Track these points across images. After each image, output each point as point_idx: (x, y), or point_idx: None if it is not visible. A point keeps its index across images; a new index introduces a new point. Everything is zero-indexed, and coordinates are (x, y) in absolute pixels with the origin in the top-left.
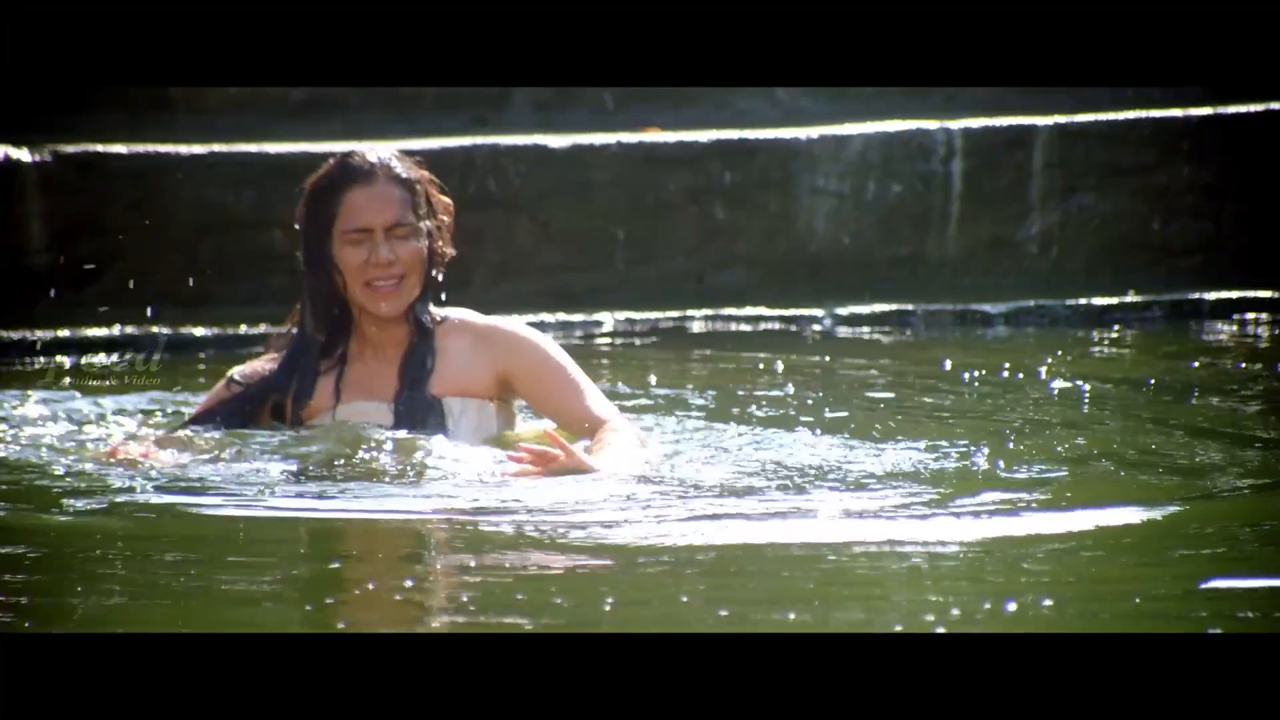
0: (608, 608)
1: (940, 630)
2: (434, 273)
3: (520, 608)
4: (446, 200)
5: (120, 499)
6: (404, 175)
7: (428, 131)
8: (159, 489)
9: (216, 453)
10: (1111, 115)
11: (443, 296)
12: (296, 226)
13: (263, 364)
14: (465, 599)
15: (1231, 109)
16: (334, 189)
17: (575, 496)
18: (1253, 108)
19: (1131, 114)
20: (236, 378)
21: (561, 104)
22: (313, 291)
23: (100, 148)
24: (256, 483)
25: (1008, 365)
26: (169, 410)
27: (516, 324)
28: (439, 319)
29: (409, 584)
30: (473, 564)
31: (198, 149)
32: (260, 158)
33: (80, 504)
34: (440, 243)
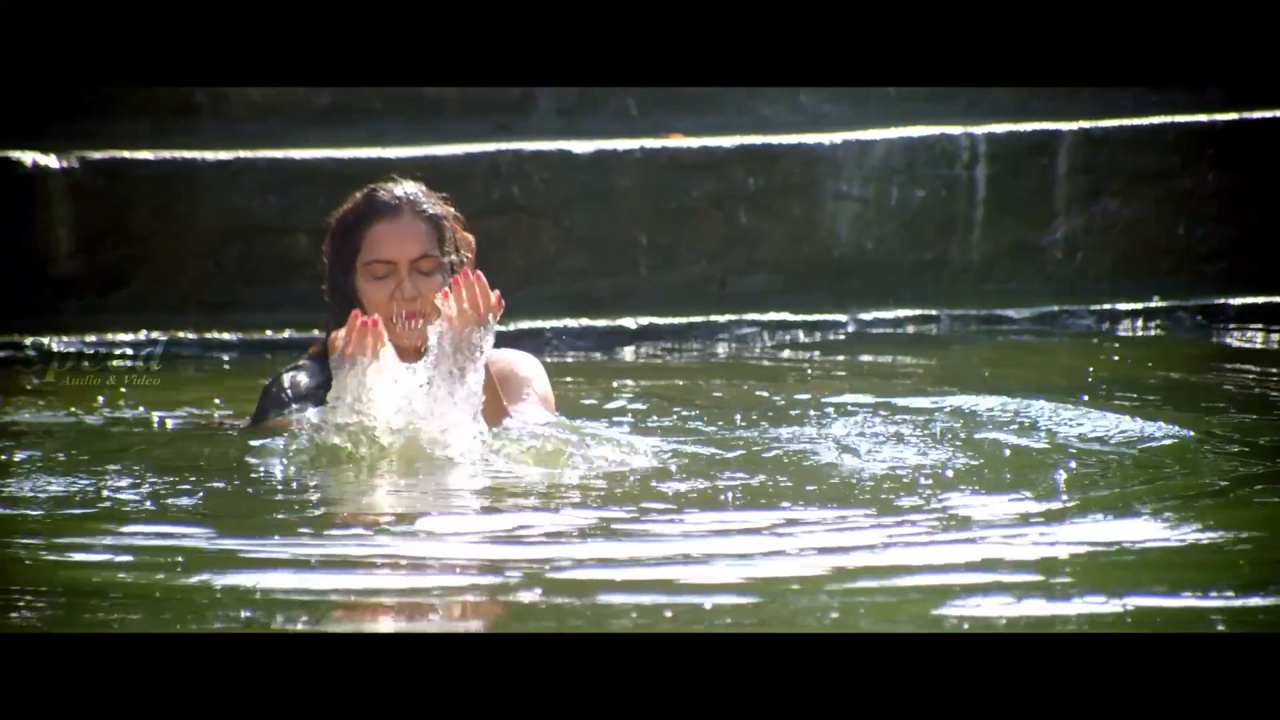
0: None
1: (956, 629)
2: None
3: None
4: (469, 237)
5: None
6: (429, 211)
7: (451, 138)
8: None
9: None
10: (1136, 120)
11: None
12: (323, 259)
13: (298, 375)
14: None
15: (1256, 114)
16: (359, 222)
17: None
18: (1277, 113)
19: (1156, 119)
20: (278, 387)
21: (584, 110)
22: (336, 323)
23: (126, 154)
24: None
25: (1031, 371)
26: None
27: (525, 362)
28: None
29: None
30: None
31: (223, 155)
32: (285, 164)
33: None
34: None
